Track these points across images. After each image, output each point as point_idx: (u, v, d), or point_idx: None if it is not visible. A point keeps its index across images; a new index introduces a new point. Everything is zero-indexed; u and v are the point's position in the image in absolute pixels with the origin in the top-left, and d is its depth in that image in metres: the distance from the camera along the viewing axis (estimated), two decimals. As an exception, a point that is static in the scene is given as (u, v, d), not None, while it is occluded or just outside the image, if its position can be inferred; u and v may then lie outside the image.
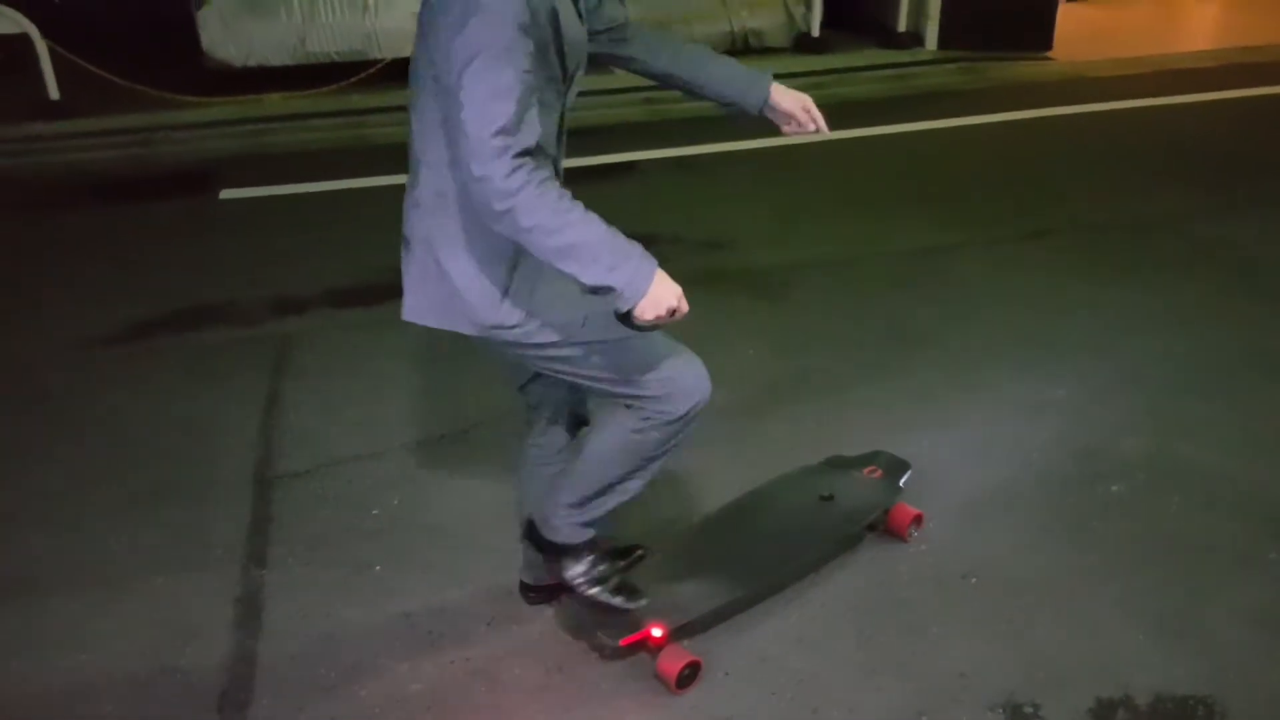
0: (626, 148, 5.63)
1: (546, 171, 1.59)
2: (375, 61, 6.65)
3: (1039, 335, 3.61)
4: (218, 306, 3.95)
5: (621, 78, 7.20)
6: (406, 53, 7.61)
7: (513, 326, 1.82)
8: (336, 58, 6.66)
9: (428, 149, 1.76)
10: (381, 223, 4.72)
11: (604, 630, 2.14)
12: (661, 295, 1.68)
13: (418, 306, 1.86)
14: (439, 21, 1.60)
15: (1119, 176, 5.20)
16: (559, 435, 2.19)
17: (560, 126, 1.82)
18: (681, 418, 1.96)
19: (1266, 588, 2.41)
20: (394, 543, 2.60)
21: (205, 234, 4.72)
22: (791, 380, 3.35)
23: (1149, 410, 3.13)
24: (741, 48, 7.57)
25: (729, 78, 2.05)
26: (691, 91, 2.07)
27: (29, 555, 2.58)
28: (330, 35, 6.61)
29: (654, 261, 1.67)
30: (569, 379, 1.94)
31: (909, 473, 2.61)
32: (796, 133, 2.12)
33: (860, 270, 4.18)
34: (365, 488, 2.82)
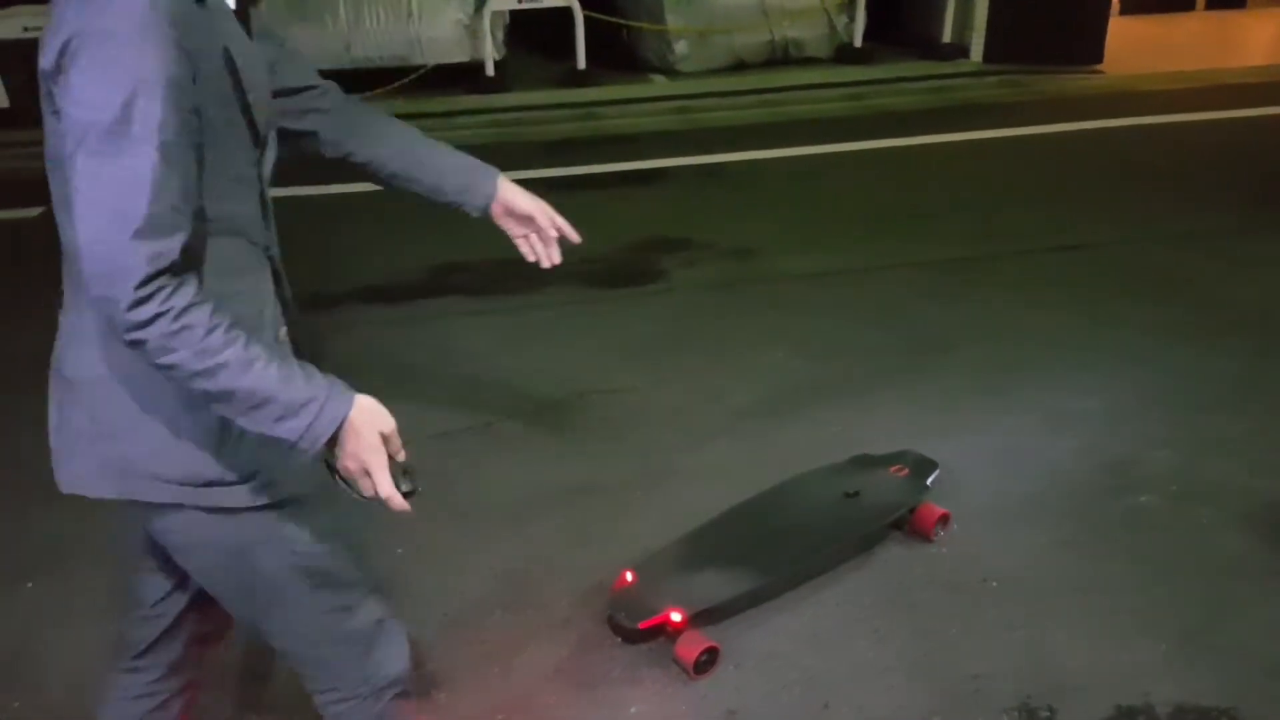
0: (658, 155, 5.66)
1: (191, 291, 1.14)
2: (418, 67, 6.77)
3: (1070, 347, 3.56)
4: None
5: (657, 85, 7.30)
6: (450, 59, 7.79)
7: (230, 483, 1.32)
8: (380, 63, 6.79)
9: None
10: (413, 223, 4.82)
11: (624, 612, 2.15)
12: (357, 447, 1.24)
13: (86, 472, 1.32)
14: (58, 78, 1.13)
15: (1162, 191, 5.11)
16: (170, 652, 1.59)
17: (263, 204, 1.34)
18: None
19: (1298, 604, 2.35)
20: (416, 529, 2.63)
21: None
22: (816, 384, 3.34)
23: (1181, 424, 3.08)
24: (782, 58, 7.59)
25: (449, 169, 1.64)
26: (399, 185, 1.63)
27: (70, 527, 2.65)
28: (375, 41, 6.74)
29: (347, 403, 1.23)
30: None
31: (936, 472, 2.60)
32: (528, 248, 1.75)
33: (891, 279, 4.16)
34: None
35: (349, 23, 6.65)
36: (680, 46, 7.31)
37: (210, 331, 1.15)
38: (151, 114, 1.09)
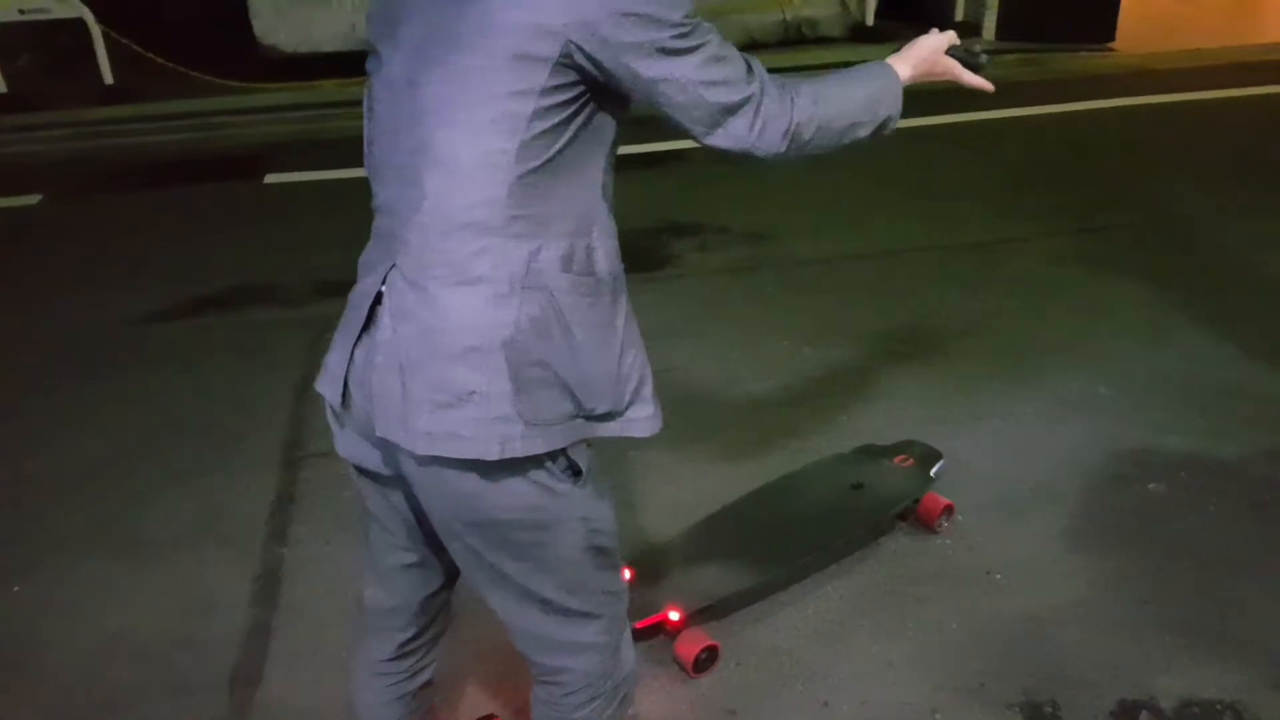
0: (673, 136, 5.58)
1: (773, 87, 1.28)
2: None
3: (1085, 331, 3.51)
4: (263, 287, 4.04)
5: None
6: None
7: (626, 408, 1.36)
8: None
9: (554, 184, 1.23)
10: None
11: (619, 612, 2.13)
12: (936, 72, 1.50)
13: (488, 435, 1.24)
14: None
15: (1179, 171, 5.03)
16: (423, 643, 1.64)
17: None
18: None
19: (1308, 596, 2.32)
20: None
21: (254, 217, 4.83)
22: (827, 372, 3.31)
23: (1194, 410, 3.03)
24: (796, 37, 7.49)
25: None
26: None
27: (66, 522, 2.67)
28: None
29: (885, 64, 1.44)
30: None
31: (941, 462, 2.57)
32: None
33: (904, 263, 4.12)
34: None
35: (355, 2, 6.59)
36: (691, 26, 7.23)
37: (807, 84, 1.31)
38: None
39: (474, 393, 1.23)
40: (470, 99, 1.18)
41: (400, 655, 1.61)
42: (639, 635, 2.16)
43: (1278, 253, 4.06)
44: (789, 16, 7.40)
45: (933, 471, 2.56)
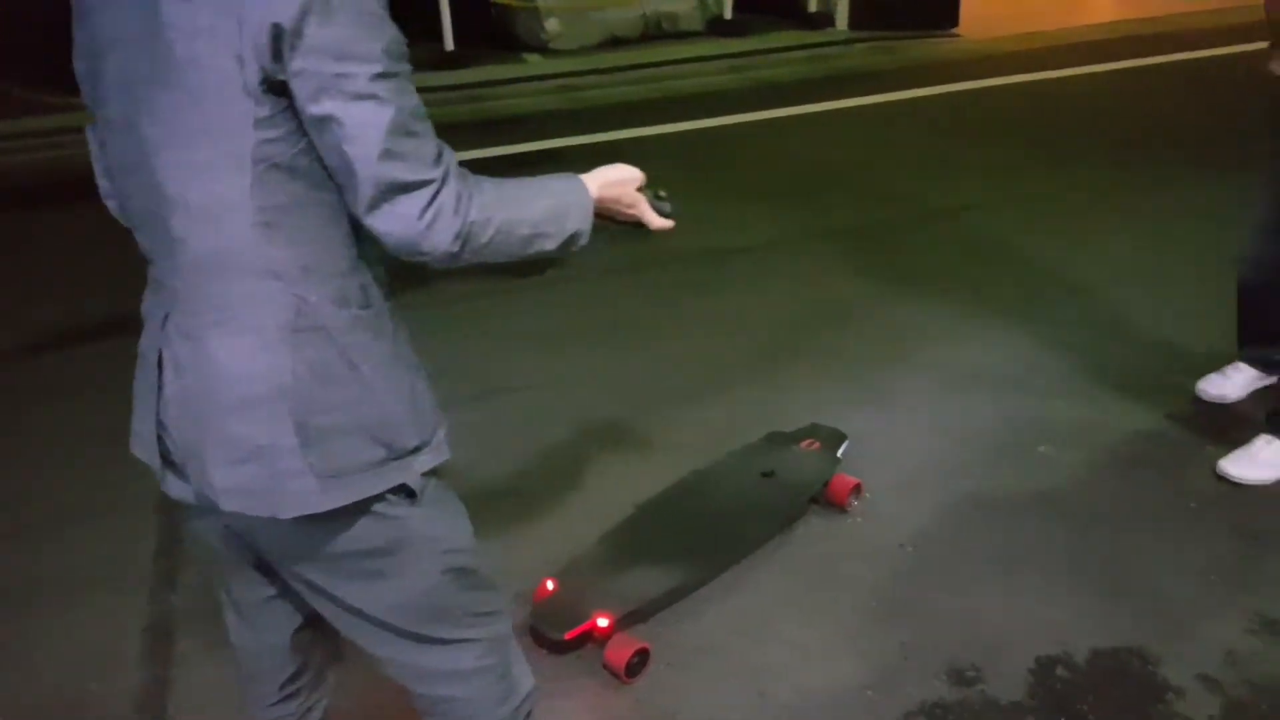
0: (546, 136, 5.55)
1: (453, 170, 1.14)
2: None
3: (967, 305, 3.65)
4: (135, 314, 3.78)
5: (533, 65, 7.16)
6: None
7: (425, 444, 1.28)
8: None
9: (281, 233, 1.12)
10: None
11: (547, 623, 2.09)
12: (622, 207, 1.38)
13: (306, 489, 1.17)
14: None
15: (1034, 148, 5.30)
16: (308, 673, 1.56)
17: None
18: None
19: (1193, 540, 2.46)
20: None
21: (120, 240, 4.51)
22: (727, 364, 3.33)
23: (1075, 375, 3.19)
24: (655, 33, 7.54)
25: None
26: None
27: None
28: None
29: (570, 175, 1.31)
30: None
31: (846, 443, 2.62)
32: None
33: (789, 252, 4.19)
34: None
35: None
36: (552, 24, 7.18)
37: (491, 183, 1.18)
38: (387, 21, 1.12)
39: (260, 447, 1.15)
40: (185, 139, 1.08)
41: (284, 698, 1.52)
42: (568, 646, 2.12)
43: (1127, 226, 4.32)
44: (648, 12, 7.44)
45: (839, 452, 2.60)
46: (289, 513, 1.16)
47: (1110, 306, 3.60)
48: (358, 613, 1.30)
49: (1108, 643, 2.17)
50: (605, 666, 2.08)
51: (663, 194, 1.42)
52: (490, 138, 5.54)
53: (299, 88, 1.04)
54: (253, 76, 1.03)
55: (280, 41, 1.02)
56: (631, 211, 1.39)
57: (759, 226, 4.43)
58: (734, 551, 2.36)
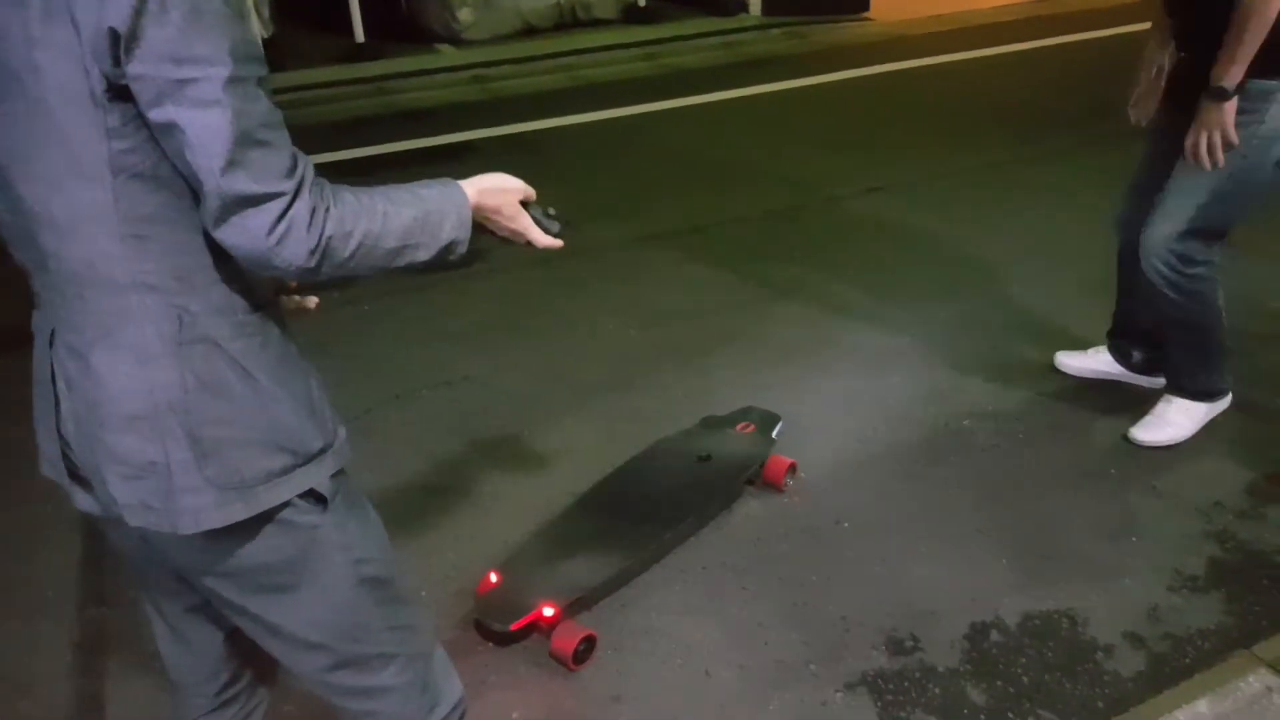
0: (459, 128, 5.47)
1: (312, 178, 1.07)
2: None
3: (884, 286, 3.73)
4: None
5: (445, 56, 7.05)
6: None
7: (328, 446, 1.24)
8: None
9: (147, 244, 1.07)
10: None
11: (493, 616, 2.07)
12: (502, 221, 1.30)
13: (205, 504, 1.14)
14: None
15: (943, 129, 5.43)
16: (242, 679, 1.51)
17: None
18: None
19: (1111, 503, 2.57)
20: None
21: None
22: (654, 351, 3.33)
23: (990, 349, 3.29)
24: (571, 21, 7.48)
25: None
26: None
27: None
28: None
29: (453, 183, 1.23)
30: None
31: (780, 424, 2.65)
32: None
33: (710, 237, 4.21)
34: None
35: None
36: (464, 14, 7.07)
37: (353, 193, 1.10)
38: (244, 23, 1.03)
39: (153, 463, 1.11)
40: (38, 151, 1.02)
41: (219, 705, 1.47)
42: (513, 637, 2.11)
43: (1033, 203, 4.45)
44: (562, 0, 7.38)
45: (774, 434, 2.63)
46: (188, 528, 1.13)
47: (1018, 280, 3.71)
48: (273, 628, 1.27)
49: (1037, 606, 2.24)
50: (552, 655, 2.07)
51: (552, 212, 1.35)
52: (403, 131, 5.44)
53: (140, 93, 0.97)
54: (97, 84, 0.97)
55: (117, 45, 0.95)
56: (512, 225, 1.30)
57: (676, 214, 4.44)
58: (675, 535, 2.37)
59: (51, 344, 1.15)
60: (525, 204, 1.31)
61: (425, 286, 3.76)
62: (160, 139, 1.01)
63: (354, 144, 5.22)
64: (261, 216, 1.01)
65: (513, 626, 2.03)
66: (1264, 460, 2.69)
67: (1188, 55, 2.50)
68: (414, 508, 2.60)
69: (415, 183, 1.19)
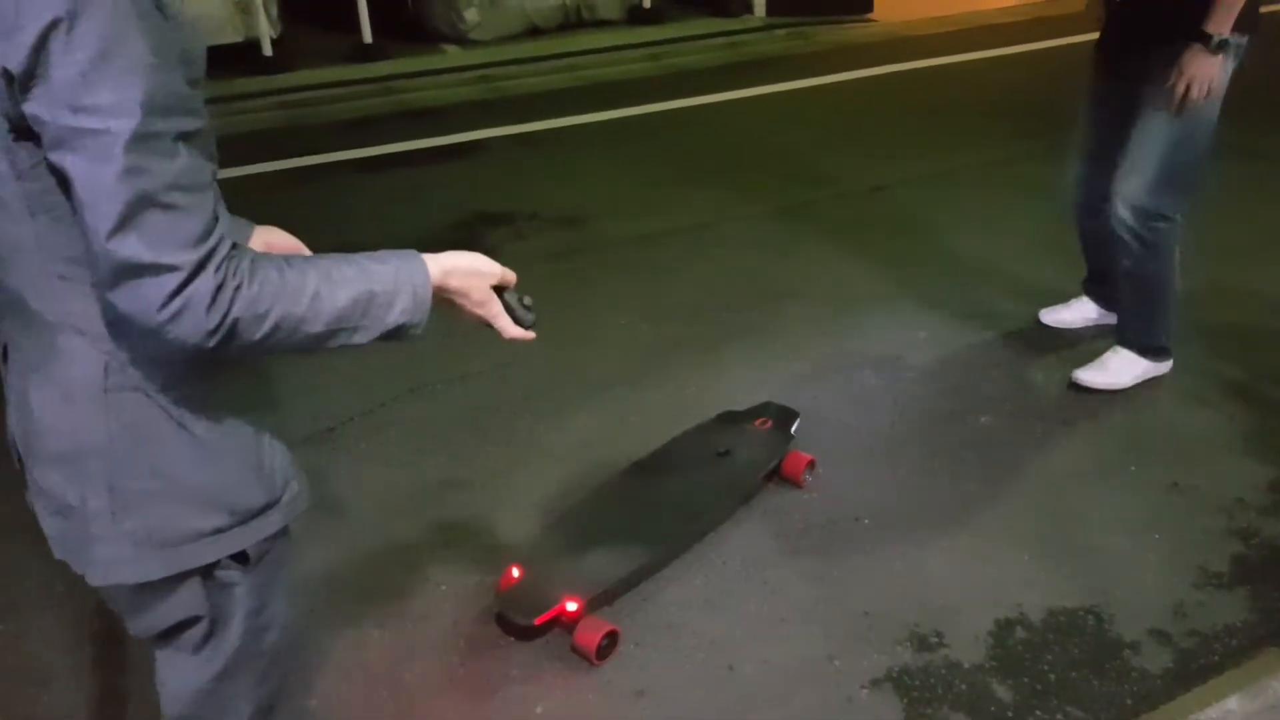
0: (467, 127, 5.45)
1: (232, 248, 0.96)
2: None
3: (895, 282, 3.71)
4: None
5: (452, 56, 7.04)
6: (220, 40, 7.10)
7: (277, 501, 1.17)
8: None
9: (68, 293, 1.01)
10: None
11: (516, 610, 2.05)
12: (471, 305, 1.20)
13: (119, 556, 1.08)
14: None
15: (947, 129, 5.42)
16: None
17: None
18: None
19: (1131, 499, 2.55)
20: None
21: None
22: (667, 347, 3.32)
23: (1004, 344, 3.27)
24: (576, 21, 7.48)
25: None
26: None
27: None
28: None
29: (418, 259, 1.12)
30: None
31: (798, 420, 2.63)
32: None
33: (718, 234, 4.19)
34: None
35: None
36: (471, 14, 7.05)
37: (282, 270, 0.99)
38: (164, 72, 0.92)
39: (71, 506, 1.06)
40: None
41: None
42: (537, 632, 2.09)
43: (1041, 200, 4.42)
44: (568, 1, 7.37)
45: (792, 430, 2.61)
46: (96, 579, 1.08)
47: (1029, 276, 3.69)
48: (173, 677, 1.21)
49: (1060, 602, 2.22)
50: (575, 650, 2.05)
51: (528, 301, 1.25)
52: (410, 130, 5.42)
53: (42, 134, 0.89)
54: (1, 124, 0.92)
55: (13, 85, 0.88)
56: (480, 311, 1.20)
57: (685, 210, 4.43)
58: (696, 530, 2.35)
59: (5, 360, 1.12)
60: (500, 289, 1.21)
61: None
62: (62, 187, 0.93)
63: (361, 143, 5.21)
64: (154, 288, 0.90)
65: (536, 621, 2.01)
66: (1284, 457, 2.68)
67: (1121, 16, 2.80)
68: (431, 500, 2.58)
69: (374, 253, 1.08)
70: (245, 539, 1.12)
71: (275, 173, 4.89)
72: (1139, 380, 2.97)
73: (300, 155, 5.07)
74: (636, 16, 7.61)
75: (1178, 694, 1.99)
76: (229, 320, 0.94)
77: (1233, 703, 1.93)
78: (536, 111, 5.72)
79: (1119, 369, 2.97)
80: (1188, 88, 2.57)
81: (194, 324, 0.93)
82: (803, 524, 2.48)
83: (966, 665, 2.07)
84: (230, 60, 6.34)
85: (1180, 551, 2.36)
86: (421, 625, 2.18)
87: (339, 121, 5.67)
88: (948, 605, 2.22)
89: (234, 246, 0.96)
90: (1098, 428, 2.83)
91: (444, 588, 2.27)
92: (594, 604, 2.08)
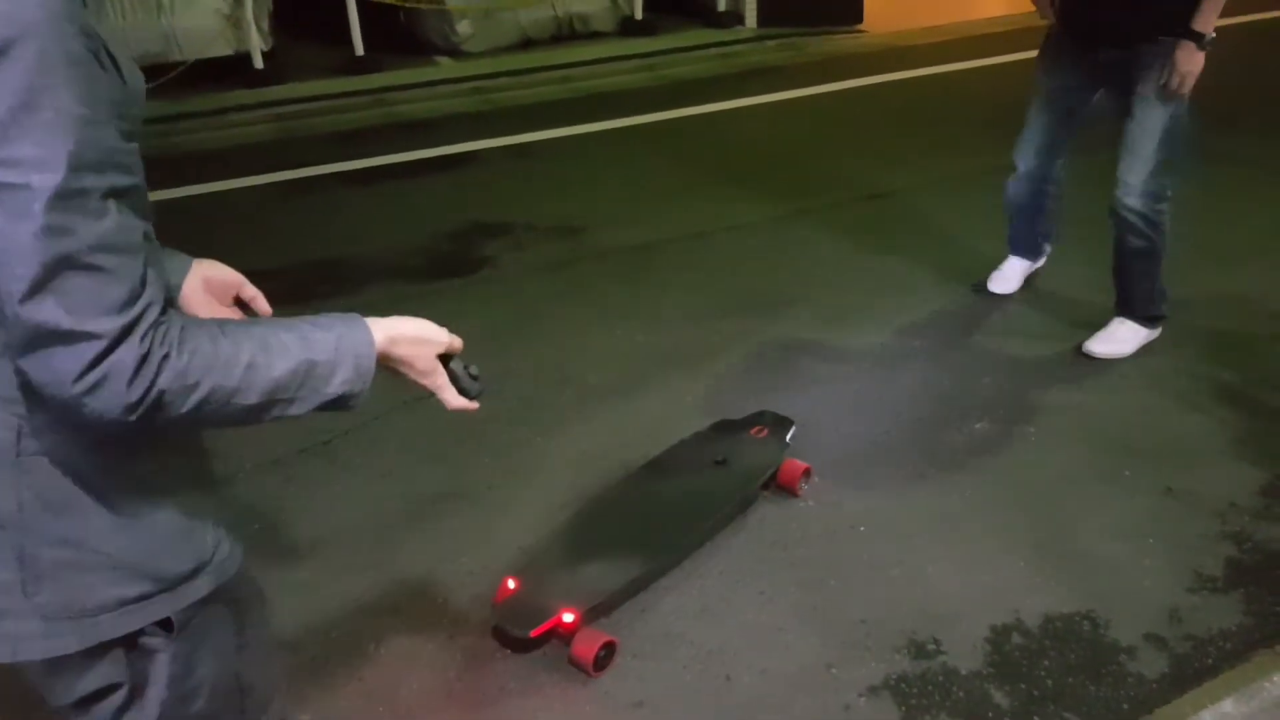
0: (462, 138, 5.46)
1: (167, 316, 0.91)
2: (176, 64, 6.20)
3: (888, 290, 3.72)
4: None
5: (444, 68, 7.06)
6: (212, 53, 7.09)
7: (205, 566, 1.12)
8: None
9: None
10: (199, 234, 4.41)
11: (512, 622, 2.04)
12: (416, 374, 1.15)
13: (29, 631, 1.02)
14: None
15: (940, 137, 5.44)
16: None
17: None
18: None
19: (1125, 503, 2.56)
20: (259, 569, 2.40)
21: None
22: (663, 355, 3.32)
23: (998, 351, 3.28)
24: (568, 33, 7.51)
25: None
26: None
27: None
28: (122, 38, 6.10)
29: (361, 323, 1.07)
30: None
31: (794, 428, 2.64)
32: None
33: (713, 243, 4.20)
34: (220, 516, 2.60)
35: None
36: (463, 26, 7.07)
37: (215, 338, 0.93)
38: (96, 126, 0.87)
39: None
40: None
41: None
42: (533, 644, 2.09)
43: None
44: (560, 13, 7.40)
45: (788, 438, 2.62)
46: (5, 655, 1.01)
47: (1022, 288, 3.70)
48: None
49: (1057, 608, 2.23)
50: (572, 661, 2.04)
51: (474, 371, 1.21)
52: (403, 142, 5.43)
53: None
54: None
55: None
56: (424, 381, 1.15)
57: (679, 221, 4.43)
58: (692, 539, 2.35)
59: None
60: (446, 358, 1.18)
61: (429, 293, 3.74)
62: None
63: (354, 155, 5.21)
64: (70, 358, 0.84)
65: (533, 633, 2.01)
66: (1276, 460, 2.69)
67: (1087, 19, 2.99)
68: (427, 513, 2.58)
69: (316, 318, 1.03)
70: (170, 606, 1.06)
71: (266, 185, 4.89)
72: (1140, 347, 3.21)
73: (292, 168, 5.07)
74: (629, 28, 7.65)
75: (1173, 698, 1.99)
76: (154, 393, 0.88)
77: (1228, 705, 1.94)
78: (530, 123, 5.73)
79: (1125, 338, 3.21)
80: (1180, 82, 2.81)
81: (113, 397, 0.86)
82: (799, 532, 2.48)
83: (964, 672, 2.07)
84: (221, 73, 6.35)
85: (1175, 556, 2.37)
86: (418, 639, 2.17)
87: (331, 134, 5.68)
88: (945, 612, 2.23)
89: (163, 311, 0.89)
90: (1092, 433, 2.84)
91: (440, 600, 2.27)
92: (591, 615, 2.08)
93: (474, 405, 1.20)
